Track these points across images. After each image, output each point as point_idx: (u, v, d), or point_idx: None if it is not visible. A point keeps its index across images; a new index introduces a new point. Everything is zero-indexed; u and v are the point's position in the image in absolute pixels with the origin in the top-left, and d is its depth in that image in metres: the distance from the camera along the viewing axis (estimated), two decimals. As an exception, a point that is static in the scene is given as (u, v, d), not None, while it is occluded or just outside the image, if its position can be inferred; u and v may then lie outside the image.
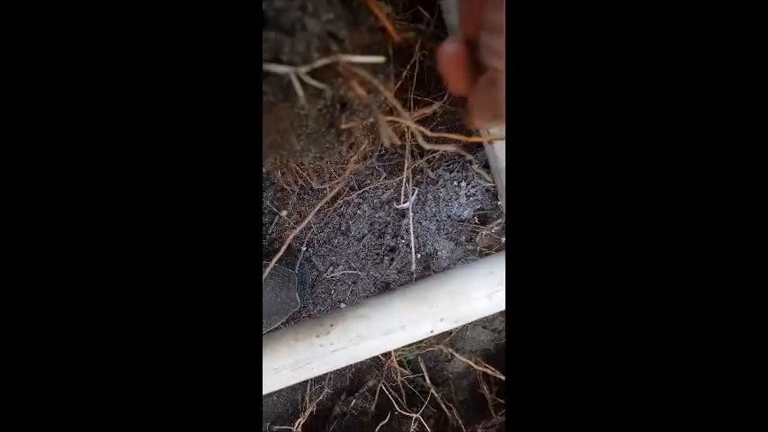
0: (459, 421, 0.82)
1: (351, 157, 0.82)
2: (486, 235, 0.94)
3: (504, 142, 0.67)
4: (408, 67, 0.76)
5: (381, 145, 0.81)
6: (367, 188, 0.88)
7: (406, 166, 0.82)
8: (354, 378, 0.98)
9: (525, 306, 0.30)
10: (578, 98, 0.28)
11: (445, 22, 0.78)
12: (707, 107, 0.28)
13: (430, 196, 0.95)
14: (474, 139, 0.80)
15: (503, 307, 0.57)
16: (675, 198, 0.29)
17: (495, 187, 0.93)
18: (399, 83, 0.77)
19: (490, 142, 0.77)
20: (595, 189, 0.29)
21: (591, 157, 0.29)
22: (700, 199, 0.28)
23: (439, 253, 0.98)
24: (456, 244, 0.96)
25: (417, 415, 0.85)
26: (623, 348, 0.29)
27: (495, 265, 0.58)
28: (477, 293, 0.56)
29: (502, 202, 0.91)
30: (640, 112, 0.28)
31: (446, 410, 0.85)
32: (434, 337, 0.86)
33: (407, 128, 0.79)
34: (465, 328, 0.90)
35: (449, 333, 0.87)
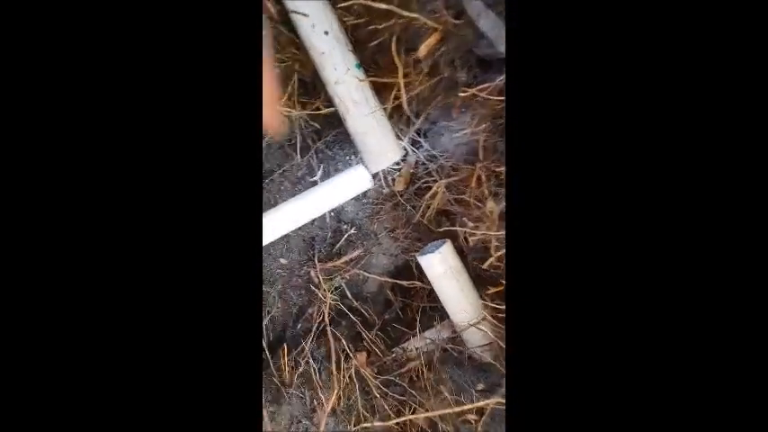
0: (376, 318, 1.20)
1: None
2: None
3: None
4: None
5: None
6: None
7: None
8: (299, 312, 1.31)
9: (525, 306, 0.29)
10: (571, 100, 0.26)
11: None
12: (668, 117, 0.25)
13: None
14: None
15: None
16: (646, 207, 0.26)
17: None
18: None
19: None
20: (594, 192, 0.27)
21: (588, 160, 0.27)
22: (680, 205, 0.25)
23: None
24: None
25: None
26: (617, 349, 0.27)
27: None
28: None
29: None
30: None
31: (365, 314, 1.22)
32: (349, 263, 1.22)
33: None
34: (371, 256, 1.28)
35: (362, 257, 1.25)
